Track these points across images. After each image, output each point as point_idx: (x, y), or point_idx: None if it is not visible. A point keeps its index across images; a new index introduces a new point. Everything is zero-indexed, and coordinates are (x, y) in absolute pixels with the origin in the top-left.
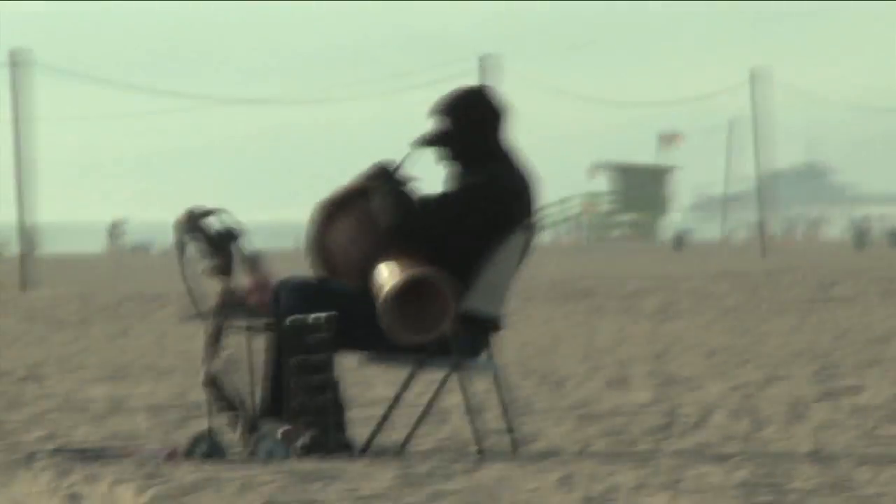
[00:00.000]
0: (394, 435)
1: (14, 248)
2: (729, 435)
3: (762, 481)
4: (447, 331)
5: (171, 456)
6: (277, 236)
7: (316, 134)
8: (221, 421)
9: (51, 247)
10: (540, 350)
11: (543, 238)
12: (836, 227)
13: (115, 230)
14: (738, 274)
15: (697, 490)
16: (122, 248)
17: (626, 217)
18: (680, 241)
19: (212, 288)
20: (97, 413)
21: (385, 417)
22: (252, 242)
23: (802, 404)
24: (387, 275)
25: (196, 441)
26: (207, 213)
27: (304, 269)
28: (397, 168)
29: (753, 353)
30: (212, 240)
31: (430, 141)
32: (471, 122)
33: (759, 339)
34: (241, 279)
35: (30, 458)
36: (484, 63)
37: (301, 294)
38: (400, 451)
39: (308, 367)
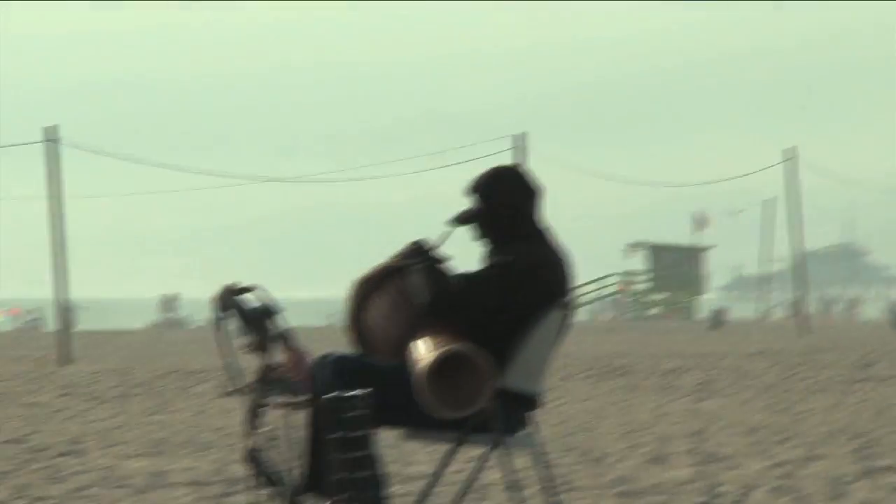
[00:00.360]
0: None
1: (51, 325)
2: None
3: None
4: (486, 407)
5: None
6: (314, 313)
7: (352, 212)
8: (261, 496)
9: (88, 323)
10: (579, 427)
11: (580, 316)
12: (872, 308)
13: (167, 305)
14: (776, 352)
15: None
16: (173, 322)
17: (662, 296)
18: (717, 320)
19: (250, 363)
20: (137, 487)
21: (425, 493)
22: (288, 319)
23: (843, 482)
24: (423, 350)
25: None
26: (244, 289)
27: (341, 345)
28: (433, 246)
29: (793, 431)
30: (248, 316)
31: (465, 219)
32: (505, 202)
33: (798, 418)
34: (278, 355)
35: None
36: (517, 142)
37: (339, 370)
38: None
39: (347, 443)
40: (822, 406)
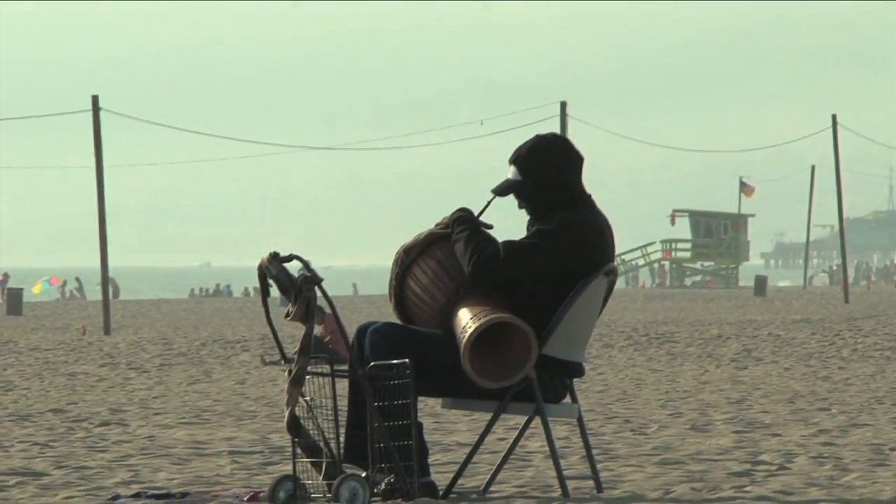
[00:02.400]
0: (475, 479)
1: (93, 294)
2: (811, 480)
3: None
4: (529, 375)
5: (254, 499)
6: (357, 282)
7: (396, 180)
8: (304, 464)
9: (129, 292)
10: (621, 395)
11: (623, 284)
12: None
13: (207, 274)
14: (817, 320)
15: None
16: (214, 291)
17: (706, 263)
18: (761, 287)
19: (292, 332)
20: (179, 456)
21: (467, 461)
22: (330, 288)
23: (884, 450)
24: (468, 319)
25: (279, 484)
26: (289, 258)
27: (384, 314)
28: (478, 214)
29: (834, 399)
30: (293, 285)
31: (509, 188)
32: (547, 170)
33: (839, 385)
34: (322, 324)
35: (112, 501)
36: (561, 110)
37: (383, 339)
38: (482, 495)
39: (390, 412)
40: (864, 374)
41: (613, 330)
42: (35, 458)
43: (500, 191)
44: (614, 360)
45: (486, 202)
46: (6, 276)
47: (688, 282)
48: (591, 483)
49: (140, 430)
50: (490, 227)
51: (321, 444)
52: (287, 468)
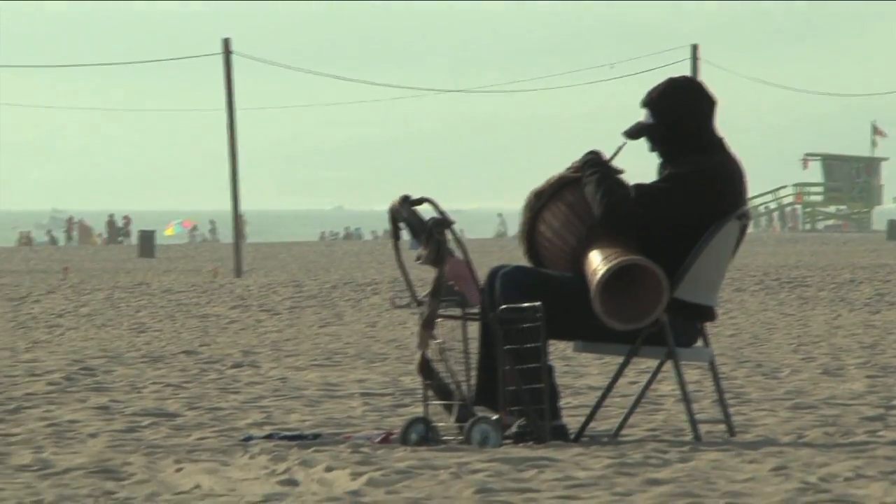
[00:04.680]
0: (607, 423)
1: (225, 237)
2: None
3: None
4: (661, 319)
5: (385, 440)
6: (486, 225)
7: (526, 123)
8: (435, 407)
9: (260, 235)
10: (753, 339)
11: (755, 228)
12: None
13: (337, 216)
14: None
15: None
16: (345, 234)
17: (837, 207)
18: (894, 231)
19: (423, 275)
20: (310, 399)
21: (598, 405)
22: (460, 231)
23: None
24: (599, 262)
25: (410, 426)
26: (419, 201)
27: (514, 257)
28: (608, 159)
29: None
30: (424, 228)
31: (641, 131)
32: (681, 113)
33: None
34: (451, 267)
35: (245, 442)
36: (692, 53)
37: (514, 282)
38: (613, 438)
39: (521, 355)
40: None
41: (745, 274)
42: (168, 399)
43: (632, 134)
44: (746, 304)
45: (617, 146)
46: (127, 218)
47: (820, 226)
48: (722, 427)
49: (272, 372)
50: (621, 171)
51: (452, 386)
52: (418, 410)
